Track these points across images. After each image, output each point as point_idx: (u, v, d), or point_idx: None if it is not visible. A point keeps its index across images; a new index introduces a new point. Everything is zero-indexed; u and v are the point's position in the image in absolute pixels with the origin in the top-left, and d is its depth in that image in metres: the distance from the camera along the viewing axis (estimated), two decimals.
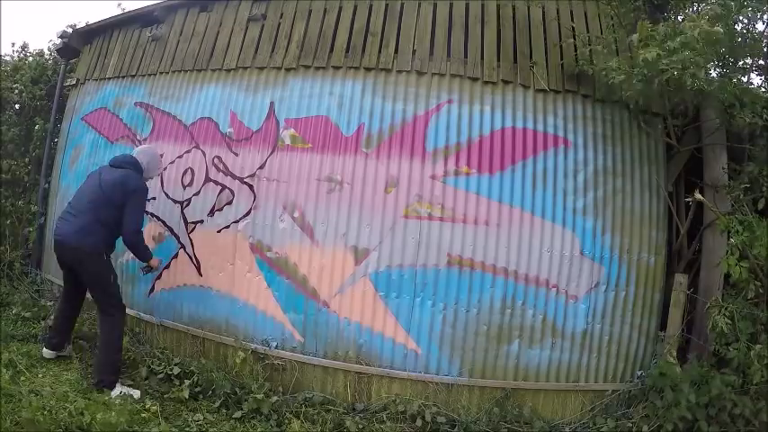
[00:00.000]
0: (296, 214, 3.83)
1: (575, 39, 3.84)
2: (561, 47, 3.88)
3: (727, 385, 3.28)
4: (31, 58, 6.27)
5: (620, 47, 3.83)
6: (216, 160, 4.14)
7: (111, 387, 3.45)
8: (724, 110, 3.51)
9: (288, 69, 4.08)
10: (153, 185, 4.38)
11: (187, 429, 3.19)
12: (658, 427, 3.33)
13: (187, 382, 3.58)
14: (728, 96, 3.25)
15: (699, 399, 3.27)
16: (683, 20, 3.46)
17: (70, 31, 5.52)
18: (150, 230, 4.31)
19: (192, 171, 4.21)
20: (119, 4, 10.36)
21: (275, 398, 3.52)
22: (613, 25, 3.85)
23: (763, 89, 3.74)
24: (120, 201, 3.55)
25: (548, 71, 3.86)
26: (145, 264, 3.80)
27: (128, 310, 4.35)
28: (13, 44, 7.83)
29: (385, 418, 3.46)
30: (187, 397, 3.46)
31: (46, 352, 3.85)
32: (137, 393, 3.47)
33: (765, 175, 3.58)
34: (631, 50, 3.31)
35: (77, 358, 3.91)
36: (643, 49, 3.10)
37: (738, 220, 3.38)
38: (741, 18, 3.30)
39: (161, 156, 4.11)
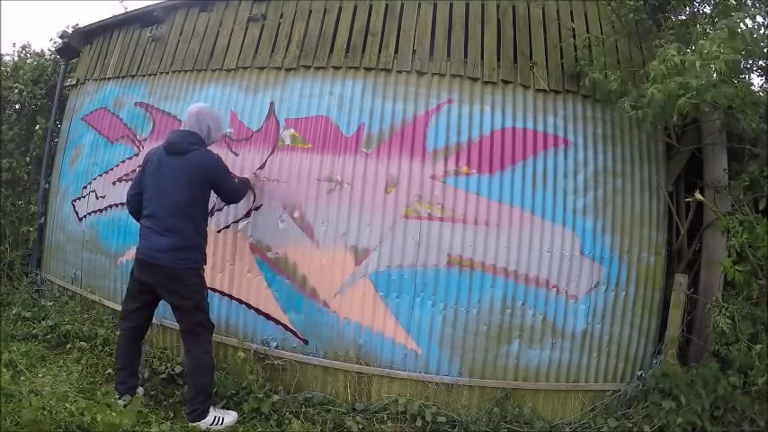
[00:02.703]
0: (296, 214, 3.83)
1: (575, 39, 3.83)
2: (561, 47, 3.88)
3: (733, 387, 3.28)
4: (31, 59, 6.27)
5: (620, 49, 3.84)
6: None
7: (206, 414, 3.19)
8: (726, 113, 3.50)
9: (288, 69, 4.08)
10: None
11: (188, 430, 3.19)
12: (660, 428, 3.33)
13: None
14: (738, 102, 3.22)
15: (706, 401, 3.27)
16: (692, 33, 3.41)
17: (70, 31, 5.51)
18: None
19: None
20: (122, 2, 10.36)
21: (275, 398, 3.52)
22: (614, 27, 3.85)
23: (762, 92, 3.73)
24: (206, 193, 3.26)
25: (548, 71, 3.86)
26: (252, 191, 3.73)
27: None
28: (15, 44, 7.78)
29: (385, 418, 3.46)
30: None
31: (122, 399, 3.24)
32: (232, 416, 3.28)
33: (766, 176, 3.57)
34: (645, 79, 3.23)
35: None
36: (653, 83, 3.02)
37: (739, 220, 3.38)
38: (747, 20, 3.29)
39: (219, 112, 3.71)
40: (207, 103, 3.68)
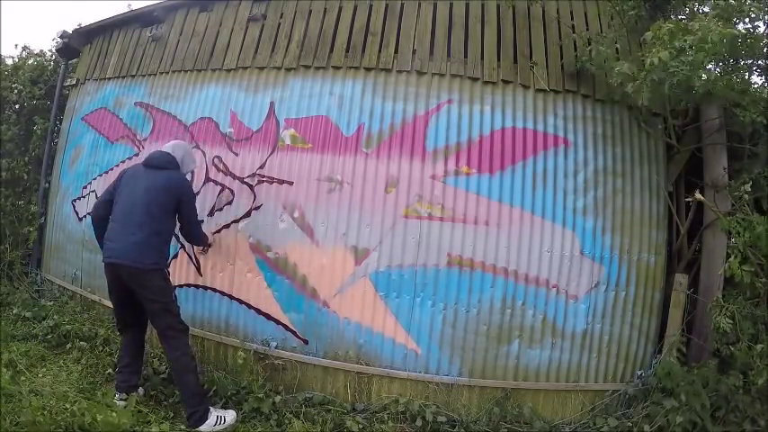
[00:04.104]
0: (296, 214, 3.83)
1: (575, 40, 3.84)
2: (561, 47, 3.88)
3: (735, 386, 3.28)
4: (31, 59, 6.27)
5: (620, 46, 3.84)
6: (216, 160, 4.14)
7: (207, 416, 3.18)
8: (726, 109, 3.51)
9: (288, 69, 4.08)
10: None
11: (188, 430, 3.18)
12: (660, 428, 3.33)
13: None
14: (735, 95, 3.23)
15: (707, 400, 3.27)
16: (690, 19, 3.45)
17: (70, 31, 5.52)
18: None
19: (192, 171, 4.21)
20: (129, 5, 10.33)
21: (275, 398, 3.52)
22: (613, 25, 3.85)
23: (764, 88, 3.73)
24: (173, 206, 3.36)
25: (548, 71, 3.86)
26: (204, 246, 3.89)
27: None
28: (16, 45, 7.78)
29: (386, 418, 3.46)
30: None
31: (120, 399, 3.32)
32: (231, 414, 3.29)
33: (766, 176, 3.57)
34: (642, 49, 3.27)
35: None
36: (654, 50, 3.08)
37: (738, 219, 3.38)
38: (744, 19, 3.30)
39: (194, 148, 3.97)
40: (183, 141, 3.94)
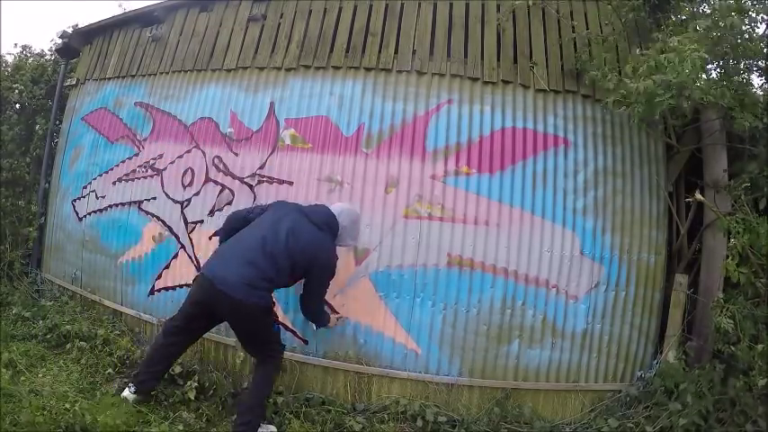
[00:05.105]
0: None
1: (574, 39, 3.83)
2: (561, 47, 3.88)
3: (740, 388, 3.27)
4: (31, 59, 6.27)
5: (620, 47, 3.84)
6: (216, 160, 4.14)
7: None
8: (724, 113, 3.51)
9: (288, 69, 4.08)
10: (154, 186, 4.40)
11: (188, 430, 3.18)
12: (662, 429, 3.32)
13: (190, 382, 3.56)
14: (730, 101, 3.24)
15: (715, 403, 3.27)
16: (688, 18, 3.46)
17: (70, 31, 5.51)
18: (150, 230, 4.31)
19: (192, 171, 4.21)
20: (120, 5, 10.34)
21: (280, 399, 3.51)
22: (613, 27, 3.85)
23: (762, 92, 3.73)
24: (305, 268, 3.10)
25: (548, 71, 3.86)
26: (321, 327, 3.53)
27: (128, 310, 4.40)
28: (15, 44, 7.78)
29: (386, 418, 3.46)
30: (193, 398, 3.44)
31: (129, 395, 3.22)
32: (272, 430, 3.22)
33: (766, 176, 3.57)
34: (632, 75, 3.29)
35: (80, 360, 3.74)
36: (637, 80, 3.10)
37: (739, 220, 3.37)
38: (743, 18, 3.30)
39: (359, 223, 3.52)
40: (354, 208, 3.55)
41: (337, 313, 3.65)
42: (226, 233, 3.34)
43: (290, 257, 3.05)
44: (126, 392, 3.24)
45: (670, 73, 2.92)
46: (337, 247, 3.33)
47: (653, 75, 3.02)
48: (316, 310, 3.37)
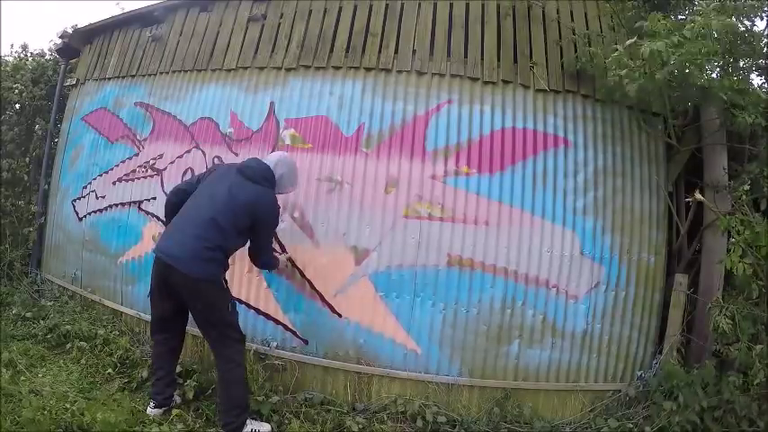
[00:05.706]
0: (296, 214, 3.83)
1: (575, 38, 3.84)
2: (561, 47, 3.88)
3: (735, 387, 3.28)
4: (31, 59, 6.27)
5: (620, 46, 3.83)
6: (216, 160, 4.14)
7: (242, 429, 3.06)
8: (725, 109, 3.51)
9: (288, 69, 4.08)
10: (154, 186, 4.40)
11: (188, 430, 3.18)
12: (661, 429, 3.32)
13: (189, 381, 3.56)
14: (732, 94, 3.23)
15: (709, 401, 3.27)
16: (688, 15, 3.46)
17: (70, 31, 5.51)
18: (150, 230, 4.31)
19: (193, 171, 4.20)
20: (117, 4, 10.28)
21: (275, 398, 3.51)
22: (613, 27, 3.85)
23: (764, 89, 3.73)
24: (249, 224, 3.08)
25: (548, 71, 3.86)
26: (270, 270, 3.63)
27: (128, 310, 4.40)
28: (12, 45, 7.77)
29: (385, 418, 3.46)
30: (192, 398, 3.44)
31: (151, 410, 3.22)
32: (266, 428, 3.19)
33: (766, 176, 3.57)
34: (641, 37, 3.25)
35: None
36: (649, 40, 3.07)
37: (739, 219, 3.37)
38: (742, 18, 3.30)
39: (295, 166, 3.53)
40: (289, 156, 3.56)
41: (286, 253, 3.70)
42: (171, 211, 3.29)
43: (233, 218, 3.05)
44: (149, 410, 3.24)
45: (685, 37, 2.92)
46: (278, 196, 3.34)
47: (671, 35, 3.00)
48: (266, 259, 3.41)
